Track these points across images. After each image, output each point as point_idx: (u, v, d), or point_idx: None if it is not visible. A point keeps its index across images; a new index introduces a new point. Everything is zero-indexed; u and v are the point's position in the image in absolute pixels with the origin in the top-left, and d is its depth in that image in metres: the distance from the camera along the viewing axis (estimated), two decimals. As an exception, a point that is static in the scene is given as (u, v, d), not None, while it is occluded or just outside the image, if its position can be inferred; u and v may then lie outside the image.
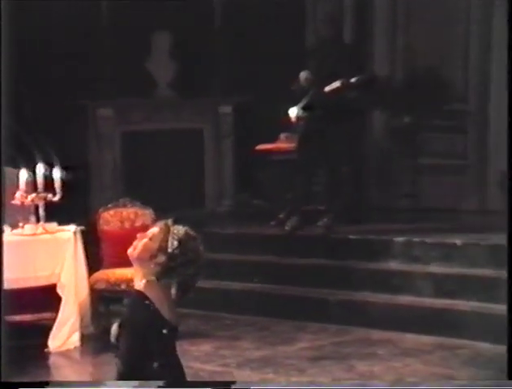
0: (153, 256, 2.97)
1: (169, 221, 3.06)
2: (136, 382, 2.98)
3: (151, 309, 2.96)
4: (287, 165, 7.71)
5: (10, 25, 8.43)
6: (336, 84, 6.92)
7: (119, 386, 3.04)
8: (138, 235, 3.08)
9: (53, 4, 8.14)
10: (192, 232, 3.05)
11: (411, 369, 5.37)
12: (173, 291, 2.98)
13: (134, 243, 3.04)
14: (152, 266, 2.96)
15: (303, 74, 6.98)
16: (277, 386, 3.19)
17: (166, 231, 3.02)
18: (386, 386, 3.14)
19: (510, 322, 3.12)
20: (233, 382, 3.59)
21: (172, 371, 3.02)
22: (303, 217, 7.16)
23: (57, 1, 8.13)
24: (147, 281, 2.97)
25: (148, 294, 2.96)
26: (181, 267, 2.98)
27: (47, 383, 3.50)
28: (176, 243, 2.98)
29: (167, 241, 2.99)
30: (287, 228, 7.12)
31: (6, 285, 5.77)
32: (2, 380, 3.43)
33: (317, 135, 7.00)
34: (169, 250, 2.97)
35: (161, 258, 2.96)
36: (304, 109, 7.01)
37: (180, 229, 3.03)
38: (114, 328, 2.99)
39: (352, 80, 7.00)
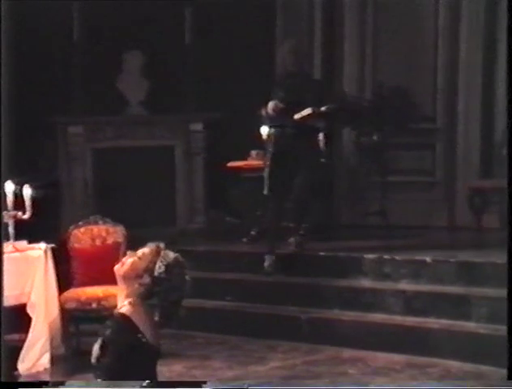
0: (139, 276, 2.99)
1: (161, 244, 3.07)
2: (136, 382, 2.99)
3: (135, 331, 2.96)
4: (258, 182, 7.69)
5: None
6: (307, 111, 6.91)
7: (119, 386, 3.05)
8: (128, 253, 3.11)
9: (24, 20, 8.10)
10: (181, 260, 3.05)
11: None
12: (156, 317, 2.99)
13: (123, 259, 3.07)
14: (137, 286, 2.99)
15: (271, 104, 6.95)
16: (277, 386, 3.11)
17: (156, 253, 3.03)
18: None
19: (510, 322, 2.76)
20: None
21: None
22: (275, 239, 7.10)
23: (29, 17, 8.10)
24: (131, 302, 2.99)
25: (131, 316, 2.97)
26: (164, 292, 2.98)
27: (47, 383, 3.14)
28: (163, 267, 2.99)
29: (155, 263, 2.99)
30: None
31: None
32: (2, 380, 3.33)
33: (287, 154, 6.97)
34: (155, 273, 2.98)
35: (146, 280, 2.98)
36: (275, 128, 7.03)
37: (170, 254, 3.04)
38: (95, 349, 2.99)
39: (322, 109, 7.01)
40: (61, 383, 3.17)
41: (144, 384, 2.99)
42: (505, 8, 7.36)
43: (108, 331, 3.00)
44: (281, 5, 8.77)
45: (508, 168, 2.90)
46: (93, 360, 2.98)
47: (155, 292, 2.97)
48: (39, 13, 8.11)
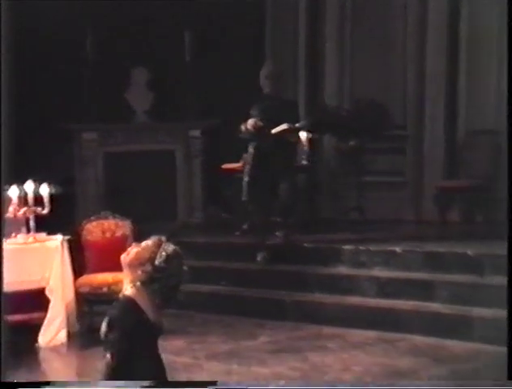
0: (142, 264, 2.98)
1: (163, 238, 3.06)
2: (136, 383, 2.96)
3: (138, 311, 2.96)
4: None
5: (6, 59, 8.40)
6: (283, 127, 6.86)
7: (120, 386, 2.99)
8: (132, 244, 3.09)
9: (44, 41, 8.13)
10: (179, 252, 3.04)
11: (357, 360, 5.36)
12: (157, 300, 2.98)
13: (128, 249, 3.05)
14: (140, 272, 2.98)
15: (250, 122, 6.89)
16: (277, 386, 3.04)
17: (158, 245, 3.02)
18: (384, 385, 3.05)
19: (510, 323, 3.06)
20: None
21: (154, 365, 3.02)
22: (265, 234, 7.08)
23: (47, 39, 8.11)
24: (135, 286, 2.98)
25: (135, 298, 2.97)
26: (163, 278, 2.97)
27: (47, 383, 3.38)
28: (163, 257, 2.98)
29: (156, 253, 2.99)
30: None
31: (5, 288, 5.85)
32: (2, 380, 3.34)
33: (265, 164, 6.91)
34: (156, 262, 2.97)
35: (148, 267, 2.97)
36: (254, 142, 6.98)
37: (170, 246, 3.03)
38: (103, 326, 2.97)
39: (297, 125, 7.01)
40: (61, 383, 3.08)
41: (145, 384, 2.95)
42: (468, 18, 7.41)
43: (114, 311, 3.00)
44: (269, 29, 8.78)
45: (508, 168, 2.89)
46: (102, 335, 2.97)
47: (156, 278, 2.97)
48: (57, 32, 8.14)
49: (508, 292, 2.94)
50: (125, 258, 3.02)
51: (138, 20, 8.29)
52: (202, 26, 8.42)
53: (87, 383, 3.40)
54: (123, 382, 2.94)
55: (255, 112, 6.98)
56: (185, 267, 3.04)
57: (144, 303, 2.97)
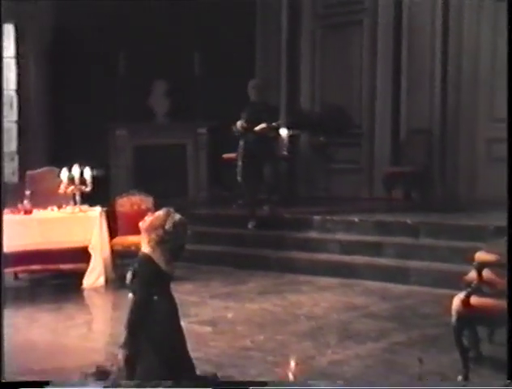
0: (155, 229, 2.99)
1: (171, 209, 3.05)
2: (135, 382, 2.86)
3: (153, 264, 2.99)
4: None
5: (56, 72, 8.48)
6: (262, 125, 6.89)
7: (120, 386, 2.90)
8: (148, 214, 3.12)
9: (86, 56, 8.11)
10: (184, 219, 3.03)
11: (324, 298, 5.34)
12: (167, 256, 2.99)
13: (145, 218, 3.06)
14: (153, 236, 2.98)
15: (239, 123, 6.91)
16: (277, 387, 3.04)
17: (167, 215, 3.02)
18: (385, 386, 3.05)
19: (510, 323, 2.88)
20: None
21: (167, 302, 3.03)
22: (255, 207, 7.03)
23: (90, 56, 8.09)
24: (150, 246, 2.99)
25: (151, 254, 2.99)
26: (172, 240, 2.98)
27: (47, 383, 3.01)
28: (171, 224, 2.99)
29: (166, 221, 2.99)
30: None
31: (57, 245, 5.94)
32: (2, 380, 3.01)
33: (252, 154, 6.92)
34: (166, 227, 2.98)
35: (160, 232, 2.98)
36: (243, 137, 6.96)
37: (177, 216, 3.02)
38: (128, 275, 3.02)
39: (274, 124, 7.02)
40: (61, 383, 3.00)
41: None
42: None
43: (136, 264, 3.01)
44: (259, 51, 8.74)
45: (508, 166, 2.88)
46: (127, 281, 3.02)
47: (166, 240, 2.96)
48: (96, 51, 8.13)
49: (508, 291, 2.96)
50: (142, 224, 3.03)
51: (159, 43, 8.21)
52: (208, 49, 8.39)
53: (87, 383, 3.10)
54: (124, 381, 2.87)
55: (244, 114, 6.97)
56: (188, 231, 3.05)
57: (158, 258, 2.98)
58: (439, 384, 2.95)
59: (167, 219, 2.99)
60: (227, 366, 3.76)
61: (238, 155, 7.09)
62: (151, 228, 2.98)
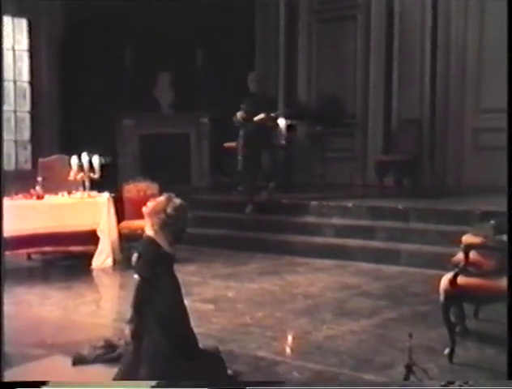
0: (157, 213, 2.99)
1: (172, 194, 3.07)
2: (135, 382, 2.80)
3: (157, 246, 2.99)
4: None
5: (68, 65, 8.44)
6: (261, 116, 6.89)
7: (120, 386, 2.87)
8: (151, 199, 3.12)
9: (96, 50, 8.07)
10: (185, 204, 3.04)
11: (319, 279, 5.36)
12: (169, 238, 3.00)
13: (148, 203, 3.07)
14: (156, 220, 2.99)
15: (239, 114, 6.90)
16: (278, 386, 2.93)
17: (168, 200, 3.02)
18: (381, 386, 3.02)
19: (510, 322, 2.83)
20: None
21: (171, 281, 3.03)
22: (253, 193, 7.01)
23: (99, 49, 8.05)
24: (153, 229, 3.00)
25: (154, 237, 3.00)
26: (173, 223, 2.99)
27: (44, 383, 2.86)
28: (173, 208, 2.99)
29: (167, 205, 3.00)
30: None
31: (68, 229, 5.94)
32: (2, 380, 2.90)
33: (252, 143, 6.91)
34: (168, 211, 2.98)
35: (162, 216, 2.98)
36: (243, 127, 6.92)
37: (177, 200, 3.03)
38: (134, 256, 3.03)
39: (272, 114, 7.01)
40: (61, 383, 2.89)
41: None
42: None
43: (140, 247, 3.03)
44: (259, 45, 8.71)
45: (508, 163, 2.89)
46: (133, 263, 3.02)
47: (168, 223, 2.97)
48: (105, 45, 8.07)
49: (508, 290, 2.92)
50: (145, 209, 3.03)
51: (164, 37, 8.17)
52: (210, 43, 8.37)
53: (87, 383, 3.01)
54: (124, 381, 2.85)
55: (244, 105, 6.96)
56: (189, 215, 3.06)
57: (161, 240, 2.98)
58: (439, 384, 2.92)
59: (168, 204, 2.99)
60: (228, 341, 3.79)
61: (239, 144, 7.09)
62: (154, 213, 2.99)
